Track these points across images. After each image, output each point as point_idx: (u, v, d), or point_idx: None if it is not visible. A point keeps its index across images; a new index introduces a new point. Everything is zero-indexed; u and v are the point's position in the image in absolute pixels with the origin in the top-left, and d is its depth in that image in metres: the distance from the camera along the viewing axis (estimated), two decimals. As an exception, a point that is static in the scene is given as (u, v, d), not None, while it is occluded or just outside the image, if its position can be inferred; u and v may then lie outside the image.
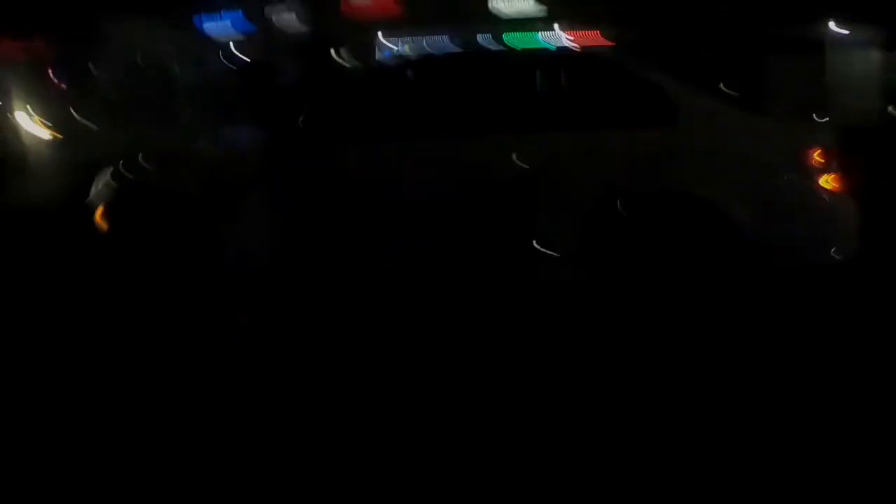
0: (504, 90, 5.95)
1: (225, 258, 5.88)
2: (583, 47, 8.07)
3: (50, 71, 21.57)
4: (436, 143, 5.74)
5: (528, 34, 29.93)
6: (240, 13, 38.16)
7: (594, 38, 28.32)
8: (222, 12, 38.92)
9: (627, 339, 4.96)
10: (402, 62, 8.76)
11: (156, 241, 6.04)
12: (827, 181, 5.56)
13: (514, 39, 30.26)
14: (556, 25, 29.14)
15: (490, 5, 30.26)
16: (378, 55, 33.52)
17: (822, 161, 5.56)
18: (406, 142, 5.78)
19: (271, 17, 36.32)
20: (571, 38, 29.00)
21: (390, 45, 34.15)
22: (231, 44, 36.68)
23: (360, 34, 33.49)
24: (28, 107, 13.58)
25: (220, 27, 39.33)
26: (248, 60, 31.94)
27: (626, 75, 5.91)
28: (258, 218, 5.80)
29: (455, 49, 28.61)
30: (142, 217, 6.05)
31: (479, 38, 30.93)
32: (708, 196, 5.41)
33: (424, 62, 7.35)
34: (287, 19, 36.61)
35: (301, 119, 5.88)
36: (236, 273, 5.92)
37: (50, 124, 13.19)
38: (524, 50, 7.12)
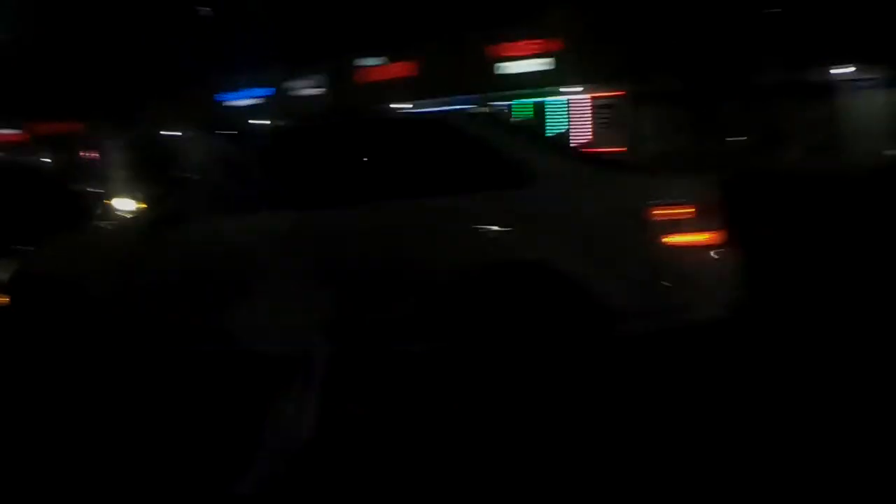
0: (345, 159, 5.58)
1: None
2: (432, 113, 6.82)
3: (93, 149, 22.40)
4: (278, 215, 5.29)
5: (539, 95, 30.67)
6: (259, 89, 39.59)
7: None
8: (242, 90, 40.48)
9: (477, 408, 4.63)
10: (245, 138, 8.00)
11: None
12: (688, 239, 4.96)
13: (525, 100, 31.07)
14: (564, 86, 29.53)
15: (498, 70, 30.70)
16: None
17: (684, 217, 4.94)
18: (243, 215, 5.41)
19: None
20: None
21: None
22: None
23: (374, 102, 34.31)
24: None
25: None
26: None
27: (474, 139, 5.39)
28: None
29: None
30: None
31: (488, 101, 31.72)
32: (558, 262, 4.91)
33: (273, 137, 6.72)
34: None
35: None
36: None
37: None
38: (366, 118, 6.32)
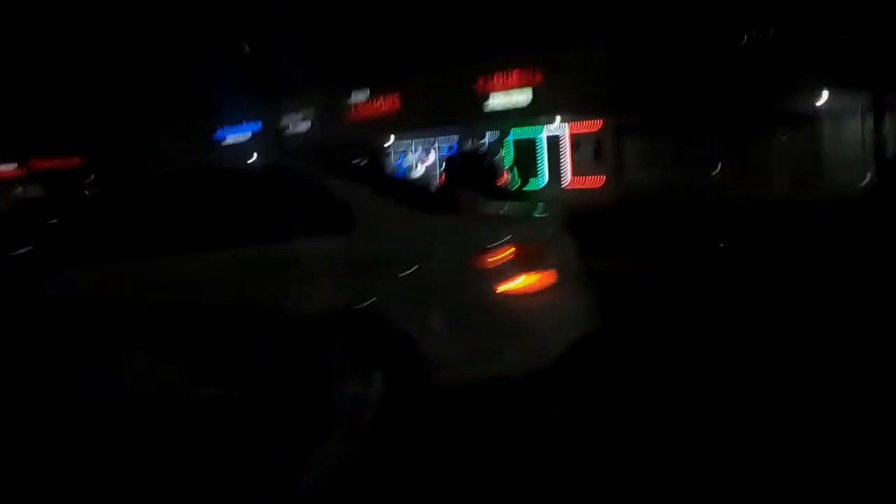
0: (177, 210, 5.44)
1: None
2: (269, 163, 6.54)
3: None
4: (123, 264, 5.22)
5: (530, 127, 30.47)
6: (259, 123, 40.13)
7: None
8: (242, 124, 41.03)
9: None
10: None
11: None
12: (517, 285, 4.73)
13: (516, 133, 30.96)
14: (556, 117, 29.33)
15: (488, 103, 30.69)
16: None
17: (513, 262, 4.71)
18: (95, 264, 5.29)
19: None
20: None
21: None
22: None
23: (369, 137, 34.53)
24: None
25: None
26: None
27: (297, 184, 5.30)
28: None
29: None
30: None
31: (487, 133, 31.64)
32: (382, 309, 4.70)
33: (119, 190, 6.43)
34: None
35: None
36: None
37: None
38: (203, 170, 6.03)
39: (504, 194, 23.26)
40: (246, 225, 5.14)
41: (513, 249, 4.68)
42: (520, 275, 4.68)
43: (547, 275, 4.78)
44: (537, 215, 5.92)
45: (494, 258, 4.66)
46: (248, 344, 4.85)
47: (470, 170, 22.79)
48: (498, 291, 4.65)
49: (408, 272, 4.74)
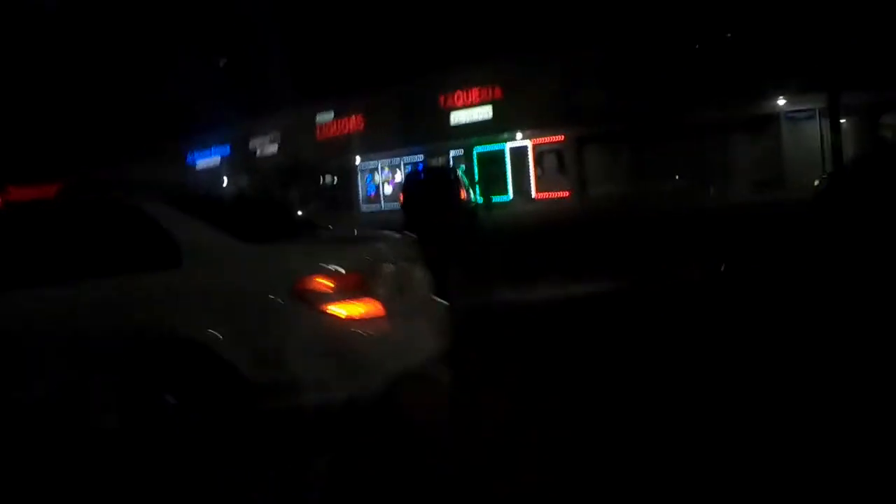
0: (16, 244, 5.43)
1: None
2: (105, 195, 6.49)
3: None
4: None
5: (494, 143, 30.30)
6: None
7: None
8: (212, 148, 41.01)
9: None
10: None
11: None
12: (338, 309, 4.70)
13: (482, 149, 30.75)
14: (518, 134, 29.14)
15: (448, 121, 30.56)
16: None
17: (334, 290, 4.71)
18: None
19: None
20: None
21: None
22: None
23: (334, 158, 34.38)
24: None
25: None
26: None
27: (137, 220, 5.25)
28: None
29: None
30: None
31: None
32: (205, 339, 4.71)
33: None
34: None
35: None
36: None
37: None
38: (45, 204, 6.01)
39: (464, 210, 23.25)
40: (71, 259, 5.17)
41: (333, 278, 4.69)
42: (340, 303, 4.67)
43: (369, 304, 4.76)
44: (370, 243, 5.73)
45: (314, 286, 4.68)
46: (78, 376, 4.87)
47: (429, 188, 22.92)
48: (317, 320, 4.65)
49: (231, 302, 4.80)
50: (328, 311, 4.63)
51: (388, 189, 34.14)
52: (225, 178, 38.44)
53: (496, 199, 29.21)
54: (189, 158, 42.36)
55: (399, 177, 32.79)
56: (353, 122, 33.93)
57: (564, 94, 25.99)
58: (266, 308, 4.71)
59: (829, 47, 20.04)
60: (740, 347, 6.10)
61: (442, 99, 30.47)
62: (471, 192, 22.70)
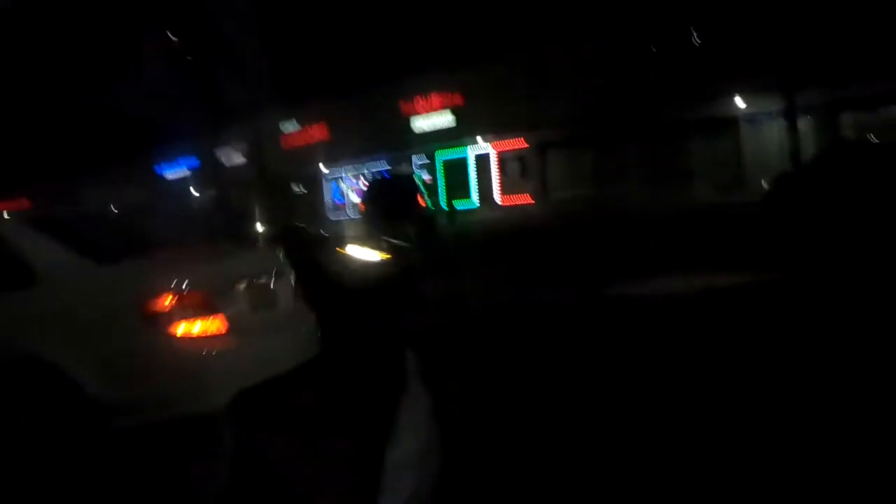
0: None
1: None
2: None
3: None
4: None
5: (455, 148, 29.96)
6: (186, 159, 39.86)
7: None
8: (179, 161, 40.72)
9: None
10: None
11: None
12: (183, 327, 4.74)
13: (443, 154, 30.48)
14: (478, 138, 28.87)
15: (411, 128, 30.31)
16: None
17: (180, 306, 4.74)
18: None
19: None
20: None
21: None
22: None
23: (300, 165, 34.11)
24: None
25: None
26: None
27: None
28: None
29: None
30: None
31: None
32: (55, 359, 4.73)
33: None
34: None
35: None
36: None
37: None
38: None
39: (421, 218, 22.97)
40: None
41: (179, 297, 4.75)
42: (185, 321, 4.75)
43: (214, 321, 4.83)
44: (222, 260, 5.87)
45: (160, 306, 4.73)
46: None
47: (386, 196, 22.67)
48: (163, 338, 4.73)
49: (81, 322, 4.86)
50: (173, 330, 4.69)
51: (354, 197, 33.86)
52: (192, 189, 38.17)
53: (460, 205, 28.98)
54: (156, 169, 42.08)
55: (363, 185, 32.47)
56: (317, 131, 33.63)
57: (526, 99, 25.78)
58: (114, 327, 4.77)
59: (784, 47, 19.94)
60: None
61: (404, 105, 30.24)
62: (428, 199, 22.44)
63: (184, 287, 4.78)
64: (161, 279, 4.88)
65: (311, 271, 1.52)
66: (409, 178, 23.49)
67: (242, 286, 5.13)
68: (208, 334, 4.80)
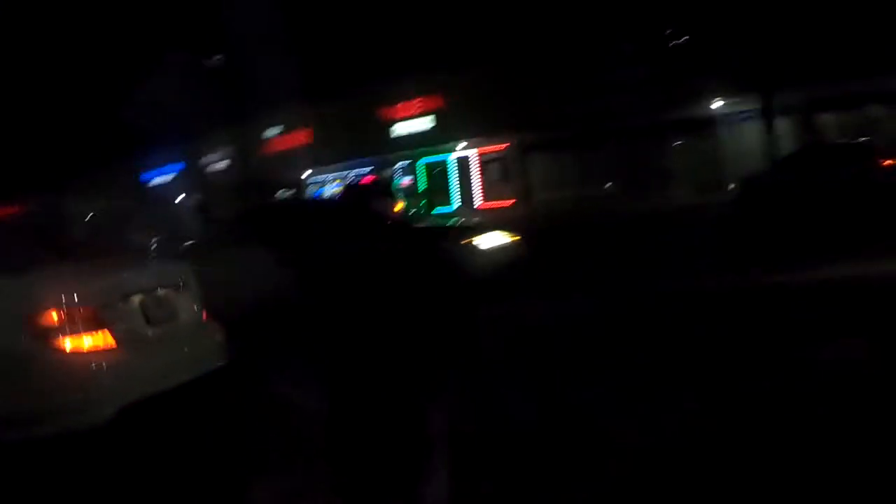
0: None
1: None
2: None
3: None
4: None
5: (438, 153, 30.01)
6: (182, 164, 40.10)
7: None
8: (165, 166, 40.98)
9: None
10: None
11: None
12: (69, 342, 4.76)
13: (426, 159, 30.47)
14: (457, 143, 29.00)
15: (393, 132, 30.41)
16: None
17: (67, 320, 4.76)
18: None
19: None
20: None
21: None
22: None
23: (283, 170, 34.14)
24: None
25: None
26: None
27: None
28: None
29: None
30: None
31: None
32: None
33: None
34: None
35: None
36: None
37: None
38: None
39: (397, 224, 22.91)
40: None
41: (66, 311, 4.76)
42: (72, 336, 4.75)
43: (102, 336, 4.85)
44: (116, 273, 5.68)
45: (47, 320, 4.74)
46: None
47: (359, 201, 22.66)
48: (49, 353, 4.74)
49: None
50: (61, 344, 4.70)
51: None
52: (180, 195, 38.24)
53: (441, 209, 28.86)
54: (143, 176, 42.25)
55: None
56: (300, 136, 33.66)
57: (506, 102, 25.70)
58: (1, 341, 4.74)
59: (761, 47, 19.83)
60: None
61: (385, 111, 30.28)
62: (404, 203, 22.41)
63: (74, 301, 4.78)
64: (50, 293, 4.86)
65: None
66: (383, 182, 23.51)
67: (137, 299, 5.15)
68: (98, 349, 4.82)
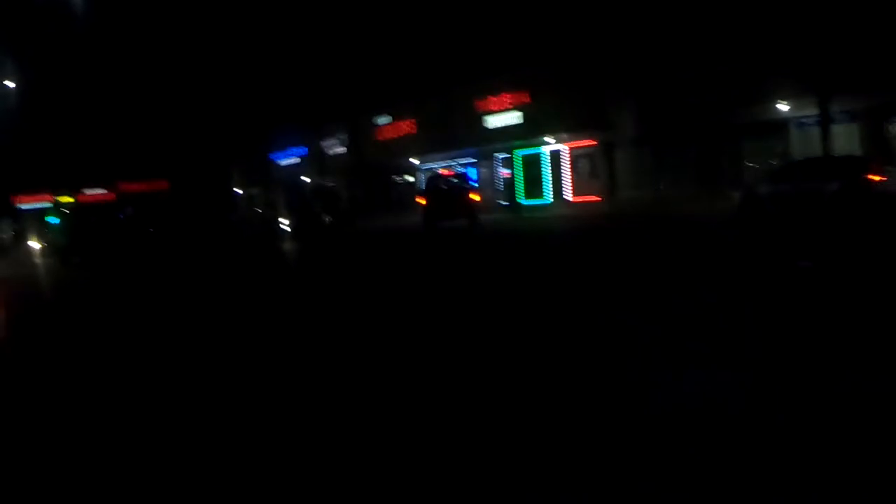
0: None
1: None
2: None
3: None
4: None
5: (530, 146, 31.74)
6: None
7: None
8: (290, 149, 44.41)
9: None
10: None
11: None
12: None
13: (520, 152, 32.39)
14: (548, 138, 30.53)
15: (484, 124, 32.29)
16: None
17: None
18: None
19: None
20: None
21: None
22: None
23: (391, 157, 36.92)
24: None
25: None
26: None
27: None
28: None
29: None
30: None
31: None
32: None
33: None
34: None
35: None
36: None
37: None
38: None
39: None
40: None
41: None
42: None
43: None
44: None
45: None
46: None
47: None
48: None
49: None
50: None
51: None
52: (303, 176, 41.64)
53: (535, 202, 30.94)
54: (272, 158, 46.03)
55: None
56: (404, 125, 36.51)
57: (598, 99, 27.43)
58: None
59: (820, 54, 20.64)
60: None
61: (480, 104, 32.36)
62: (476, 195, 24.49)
63: None
64: None
65: None
66: (460, 176, 25.66)
67: None
68: None
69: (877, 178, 15.23)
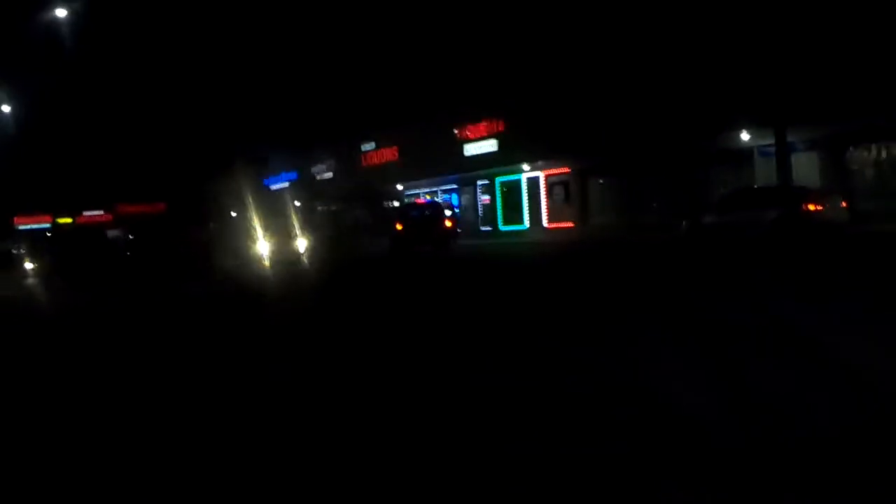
0: None
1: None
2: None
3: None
4: None
5: (508, 174, 32.50)
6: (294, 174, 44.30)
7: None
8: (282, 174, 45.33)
9: None
10: None
11: None
12: None
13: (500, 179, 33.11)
14: (524, 165, 31.26)
15: (464, 152, 32.91)
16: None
17: None
18: None
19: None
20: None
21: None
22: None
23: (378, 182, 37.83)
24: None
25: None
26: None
27: None
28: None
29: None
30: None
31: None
32: None
33: None
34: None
35: None
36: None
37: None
38: None
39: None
40: None
41: None
42: None
43: None
44: None
45: None
46: None
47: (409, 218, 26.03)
48: None
49: None
50: None
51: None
52: (293, 201, 42.47)
53: (511, 227, 31.65)
54: (263, 182, 46.94)
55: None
56: (388, 152, 37.37)
57: (570, 127, 28.19)
58: None
59: (777, 84, 21.07)
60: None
61: (459, 132, 33.02)
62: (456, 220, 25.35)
63: None
64: None
65: None
66: (439, 203, 26.58)
67: None
68: None
69: (814, 207, 15.84)
